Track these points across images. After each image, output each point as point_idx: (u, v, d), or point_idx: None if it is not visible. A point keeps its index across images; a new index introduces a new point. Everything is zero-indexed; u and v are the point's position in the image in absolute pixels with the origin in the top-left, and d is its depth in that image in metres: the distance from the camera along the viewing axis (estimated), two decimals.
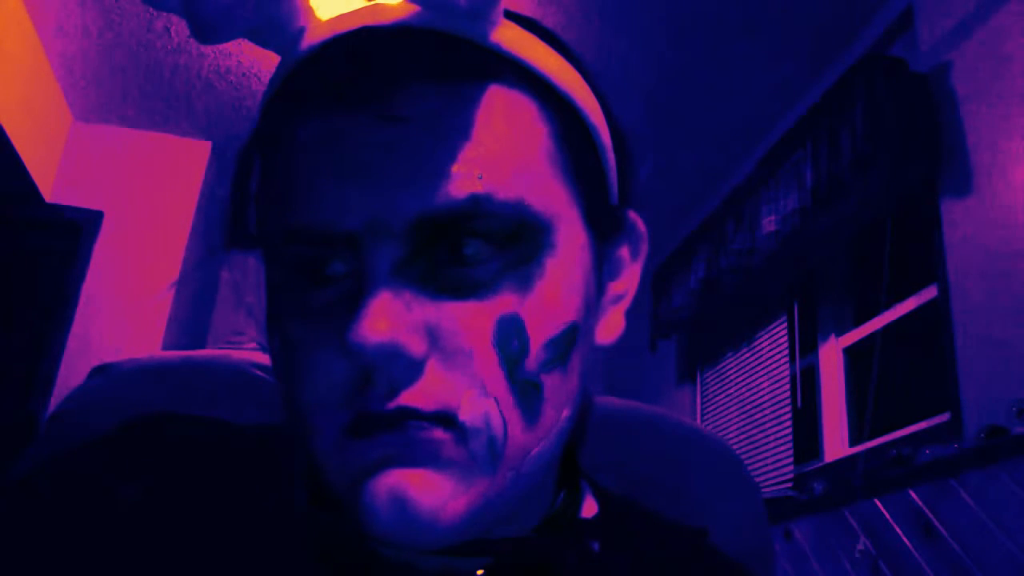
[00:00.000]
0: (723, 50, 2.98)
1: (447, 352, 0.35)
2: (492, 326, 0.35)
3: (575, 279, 0.38)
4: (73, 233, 3.41)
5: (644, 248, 0.45)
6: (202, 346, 4.05)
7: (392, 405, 0.34)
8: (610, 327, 0.43)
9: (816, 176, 2.59)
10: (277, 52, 0.39)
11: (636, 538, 0.48)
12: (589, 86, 0.42)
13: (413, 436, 0.34)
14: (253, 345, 0.66)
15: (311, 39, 0.38)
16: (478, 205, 0.34)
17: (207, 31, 0.35)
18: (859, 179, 2.42)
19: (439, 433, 0.34)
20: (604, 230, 0.42)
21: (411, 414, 0.34)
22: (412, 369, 0.34)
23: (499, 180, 0.35)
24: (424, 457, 0.34)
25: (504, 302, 0.35)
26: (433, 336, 0.35)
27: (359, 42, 0.36)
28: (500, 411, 0.35)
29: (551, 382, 0.37)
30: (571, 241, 0.38)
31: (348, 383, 0.35)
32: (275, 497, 0.42)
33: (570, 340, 0.37)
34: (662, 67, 3.08)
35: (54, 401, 3.17)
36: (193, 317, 3.91)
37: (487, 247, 0.35)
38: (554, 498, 0.44)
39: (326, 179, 0.35)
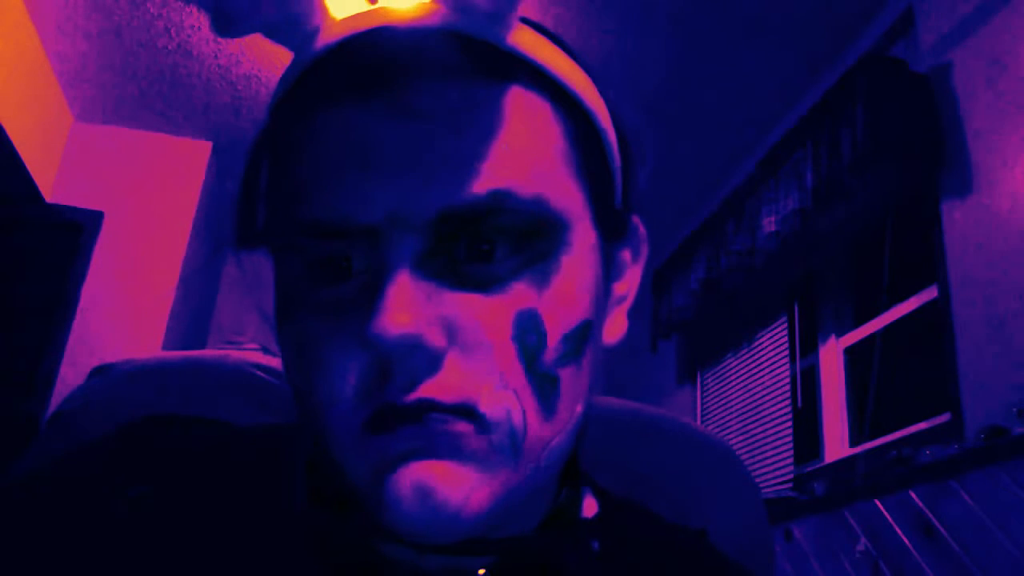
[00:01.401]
0: (723, 50, 2.98)
1: (466, 345, 0.35)
2: (511, 320, 0.35)
3: (587, 278, 0.39)
4: (73, 233, 3.41)
5: (644, 251, 0.46)
6: (202, 346, 4.05)
7: (412, 397, 0.34)
8: (614, 328, 0.44)
9: (816, 176, 2.59)
10: (291, 49, 0.39)
11: (636, 539, 0.48)
12: (597, 90, 0.42)
13: (435, 429, 0.34)
14: (253, 345, 0.66)
15: (327, 37, 0.38)
16: (499, 201, 0.35)
17: (228, 24, 0.35)
18: (859, 179, 2.42)
19: (461, 425, 0.34)
20: (610, 232, 0.42)
21: (432, 406, 0.34)
22: (432, 362, 0.34)
23: (520, 177, 0.35)
24: (447, 449, 0.34)
25: (522, 297, 0.36)
26: (452, 329, 0.35)
27: (378, 39, 0.37)
28: (520, 403, 0.35)
29: (567, 376, 0.37)
30: (584, 240, 0.39)
31: (366, 377, 0.35)
32: (275, 497, 0.42)
33: (584, 336, 0.38)
34: (662, 67, 3.08)
35: (54, 401, 3.17)
36: (193, 317, 3.92)
37: (507, 243, 0.36)
38: (556, 497, 0.45)
39: (345, 172, 0.35)
